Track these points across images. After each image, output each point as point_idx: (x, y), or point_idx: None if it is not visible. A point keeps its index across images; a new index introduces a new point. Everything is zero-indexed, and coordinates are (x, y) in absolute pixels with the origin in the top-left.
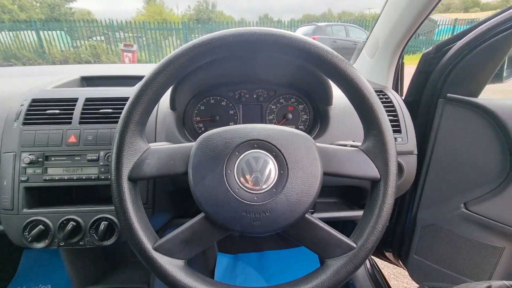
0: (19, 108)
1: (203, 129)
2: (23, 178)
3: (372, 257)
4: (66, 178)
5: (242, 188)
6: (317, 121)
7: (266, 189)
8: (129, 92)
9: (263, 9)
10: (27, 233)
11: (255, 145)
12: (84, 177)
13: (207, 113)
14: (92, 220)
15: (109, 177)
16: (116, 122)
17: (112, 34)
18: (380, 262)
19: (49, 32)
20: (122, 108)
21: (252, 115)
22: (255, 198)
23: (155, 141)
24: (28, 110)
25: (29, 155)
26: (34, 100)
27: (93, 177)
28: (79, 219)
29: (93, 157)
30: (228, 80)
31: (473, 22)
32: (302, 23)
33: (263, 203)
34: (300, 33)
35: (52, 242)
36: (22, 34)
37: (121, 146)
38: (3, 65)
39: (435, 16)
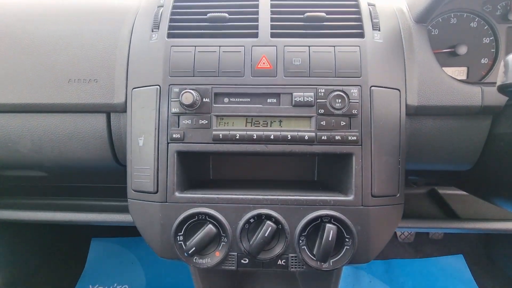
0: (155, 9)
1: None
2: (175, 135)
3: None
4: (254, 136)
5: None
6: None
7: None
8: None
9: None
10: (181, 237)
11: None
12: (289, 136)
13: (444, 41)
14: (305, 222)
15: None
16: (341, 33)
17: None
18: None
19: None
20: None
21: None
22: None
23: None
24: (173, 13)
25: (187, 91)
26: None
27: (306, 137)
28: (279, 218)
29: (305, 98)
30: None
31: None
32: None
33: None
34: None
35: (227, 257)
36: None
37: None
38: None
39: None
